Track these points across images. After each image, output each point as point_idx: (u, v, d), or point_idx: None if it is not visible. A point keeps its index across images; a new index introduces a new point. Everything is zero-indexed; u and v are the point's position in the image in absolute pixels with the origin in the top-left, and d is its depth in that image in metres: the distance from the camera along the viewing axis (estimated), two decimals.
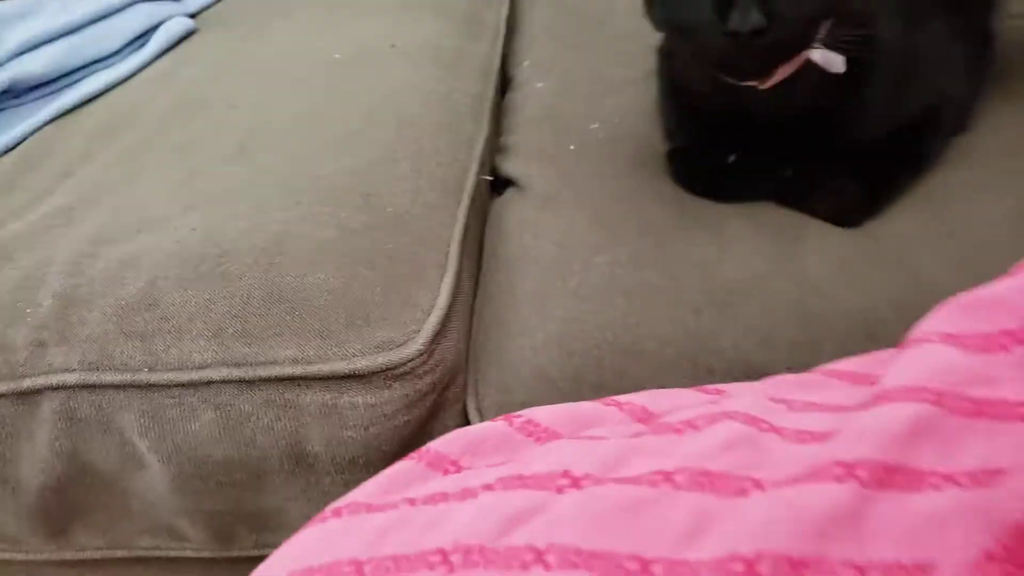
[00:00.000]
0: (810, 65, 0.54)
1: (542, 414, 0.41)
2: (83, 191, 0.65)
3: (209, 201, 0.61)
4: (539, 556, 0.27)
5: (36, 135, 0.76)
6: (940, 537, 0.25)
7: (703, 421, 0.34)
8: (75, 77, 0.86)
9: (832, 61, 0.52)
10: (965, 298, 0.38)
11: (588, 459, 0.32)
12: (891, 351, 0.45)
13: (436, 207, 0.62)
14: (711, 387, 0.45)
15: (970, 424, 0.30)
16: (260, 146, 0.67)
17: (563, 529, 0.28)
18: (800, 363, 0.52)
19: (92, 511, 0.59)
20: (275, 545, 0.48)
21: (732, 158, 0.61)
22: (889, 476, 0.27)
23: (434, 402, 0.55)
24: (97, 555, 0.63)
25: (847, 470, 0.27)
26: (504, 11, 0.98)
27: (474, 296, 0.63)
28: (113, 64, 0.90)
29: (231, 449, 0.53)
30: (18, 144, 0.75)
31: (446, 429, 0.57)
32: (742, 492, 0.28)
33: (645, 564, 0.26)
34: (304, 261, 0.55)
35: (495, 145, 0.78)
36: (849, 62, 0.54)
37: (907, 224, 0.58)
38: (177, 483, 0.55)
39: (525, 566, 0.27)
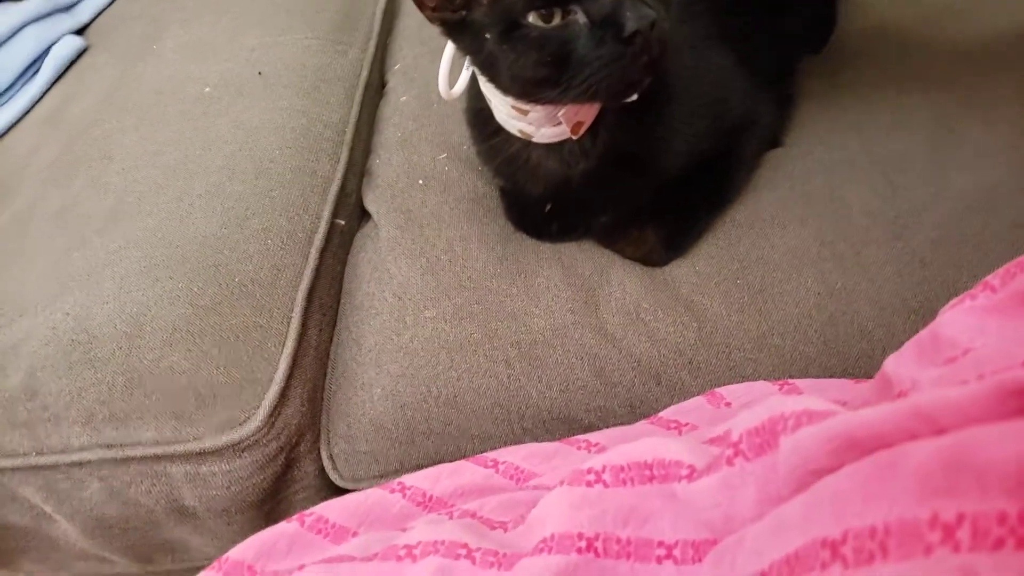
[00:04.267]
0: (605, 112, 0.57)
1: (332, 511, 0.48)
2: None
3: (80, 281, 0.67)
4: None
5: None
6: None
7: (421, 551, 0.41)
8: None
9: None
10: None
11: None
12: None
13: (283, 269, 0.67)
14: (489, 458, 0.53)
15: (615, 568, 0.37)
16: (129, 211, 0.72)
17: None
18: (596, 407, 0.60)
19: (28, 549, 0.71)
20: (193, 560, 0.60)
21: (548, 207, 0.65)
22: None
23: (287, 458, 0.63)
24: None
25: None
26: (380, 8, 0.98)
27: (331, 341, 0.70)
28: (5, 103, 0.94)
29: (120, 508, 0.63)
30: None
31: (306, 476, 0.66)
32: None
33: None
34: (160, 343, 0.62)
35: (362, 167, 0.82)
36: (640, 99, 0.55)
37: (703, 263, 0.63)
38: (86, 533, 0.66)
39: None
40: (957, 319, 0.36)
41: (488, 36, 0.50)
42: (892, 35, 0.76)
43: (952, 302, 0.39)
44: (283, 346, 0.63)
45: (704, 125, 0.63)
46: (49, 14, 1.03)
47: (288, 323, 0.64)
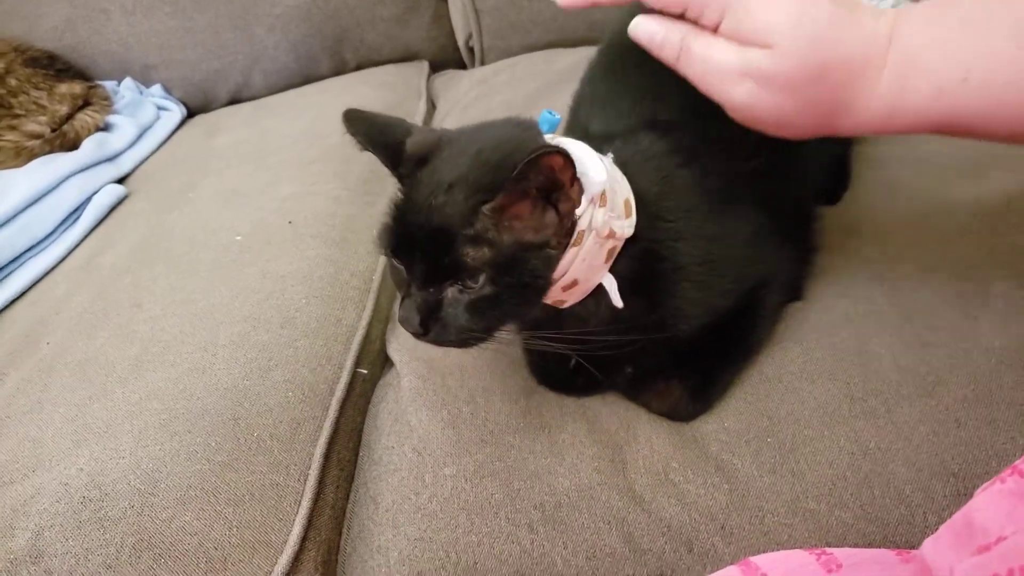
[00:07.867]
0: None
1: None
2: None
3: (98, 434, 0.66)
4: None
5: None
6: None
7: None
8: (7, 271, 0.93)
9: (613, 293, 0.55)
10: None
11: None
12: None
13: (302, 422, 0.66)
14: None
15: None
16: (153, 361, 0.73)
17: None
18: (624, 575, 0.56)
19: None
20: None
21: (573, 362, 0.64)
22: None
23: None
24: None
25: None
26: None
27: (347, 498, 0.68)
28: (44, 248, 0.97)
29: None
30: None
31: None
32: None
33: None
34: (173, 501, 0.60)
35: (388, 313, 0.83)
36: (649, 268, 0.58)
37: (732, 420, 0.61)
38: None
39: None
40: (988, 504, 0.37)
41: None
42: (905, 190, 0.77)
43: (984, 485, 0.40)
44: (299, 505, 0.61)
45: (725, 283, 0.63)
46: (94, 164, 1.09)
47: (305, 481, 0.63)
